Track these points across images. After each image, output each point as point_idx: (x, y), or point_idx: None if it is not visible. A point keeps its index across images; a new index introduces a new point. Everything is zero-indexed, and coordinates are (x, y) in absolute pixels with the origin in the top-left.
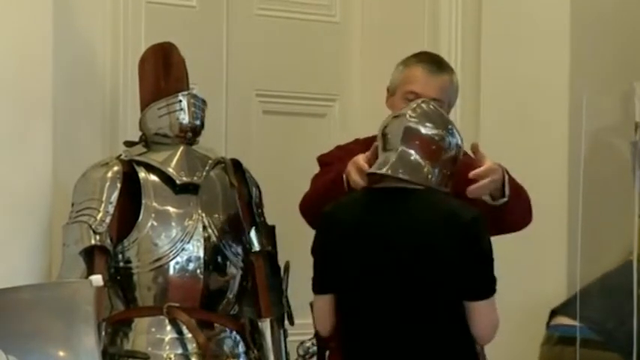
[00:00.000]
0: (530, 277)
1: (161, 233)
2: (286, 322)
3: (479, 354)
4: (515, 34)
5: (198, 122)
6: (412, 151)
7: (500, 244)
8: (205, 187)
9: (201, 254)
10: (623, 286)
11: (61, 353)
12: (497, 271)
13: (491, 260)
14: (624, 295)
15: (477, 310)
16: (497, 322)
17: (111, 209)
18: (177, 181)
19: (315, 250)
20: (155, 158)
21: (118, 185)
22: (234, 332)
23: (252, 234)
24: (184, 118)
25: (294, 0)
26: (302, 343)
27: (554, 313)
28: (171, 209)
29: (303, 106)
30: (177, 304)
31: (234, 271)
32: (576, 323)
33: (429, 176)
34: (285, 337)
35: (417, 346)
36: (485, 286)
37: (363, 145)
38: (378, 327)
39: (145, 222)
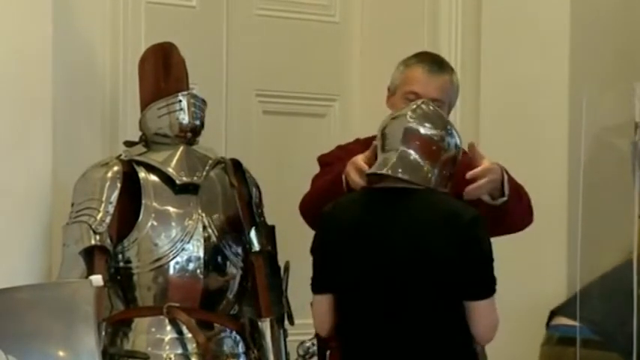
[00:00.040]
0: (530, 277)
1: (161, 233)
2: (286, 322)
3: (479, 354)
4: (515, 34)
5: (198, 122)
6: (412, 152)
7: (500, 245)
8: (205, 187)
9: (201, 254)
10: (623, 286)
11: (61, 353)
12: (497, 271)
13: (491, 260)
14: (624, 296)
15: (477, 310)
16: (497, 322)
17: (111, 209)
18: (177, 181)
19: (315, 250)
20: (155, 158)
21: (118, 185)
22: (234, 332)
23: (252, 234)
24: (184, 118)
25: (294, 0)
26: (302, 343)
27: (554, 314)
28: (171, 209)
29: (303, 106)
30: (177, 304)
31: (234, 271)
32: (576, 323)
33: (429, 176)
34: (285, 337)
35: (416, 345)
36: (485, 286)
37: (364, 145)
38: (378, 327)
39: (144, 222)
